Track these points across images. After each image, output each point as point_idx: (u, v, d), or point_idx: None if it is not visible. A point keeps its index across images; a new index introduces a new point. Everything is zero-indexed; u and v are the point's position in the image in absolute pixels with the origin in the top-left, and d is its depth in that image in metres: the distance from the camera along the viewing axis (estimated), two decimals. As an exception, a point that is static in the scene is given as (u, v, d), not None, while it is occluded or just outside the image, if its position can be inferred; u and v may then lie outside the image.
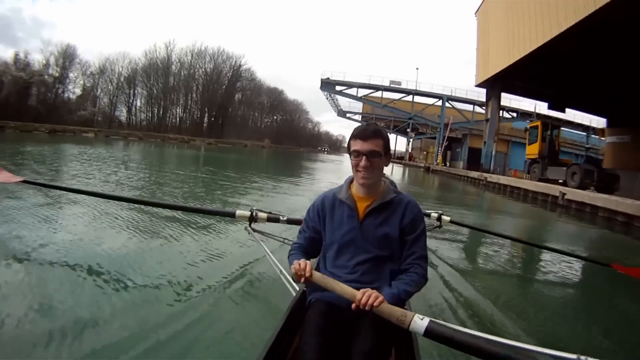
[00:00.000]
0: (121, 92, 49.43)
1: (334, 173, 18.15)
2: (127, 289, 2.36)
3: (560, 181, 14.11)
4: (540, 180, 15.28)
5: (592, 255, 5.05)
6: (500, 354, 0.95)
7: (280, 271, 1.86)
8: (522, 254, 4.93)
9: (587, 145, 35.33)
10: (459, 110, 40.48)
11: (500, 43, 17.46)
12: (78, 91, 45.11)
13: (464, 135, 37.38)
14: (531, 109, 32.92)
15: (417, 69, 58.13)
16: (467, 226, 4.15)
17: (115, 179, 7.46)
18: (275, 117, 74.79)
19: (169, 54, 53.88)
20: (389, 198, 1.37)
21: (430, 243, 4.27)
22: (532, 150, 17.23)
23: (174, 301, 2.25)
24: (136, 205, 4.53)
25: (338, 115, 53.29)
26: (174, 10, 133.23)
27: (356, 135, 1.34)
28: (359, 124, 1.44)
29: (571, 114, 29.14)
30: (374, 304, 1.08)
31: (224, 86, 59.60)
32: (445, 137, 37.60)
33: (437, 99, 40.26)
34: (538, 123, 17.60)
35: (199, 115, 57.87)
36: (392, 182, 1.49)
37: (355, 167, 1.34)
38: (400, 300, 1.23)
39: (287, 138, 71.80)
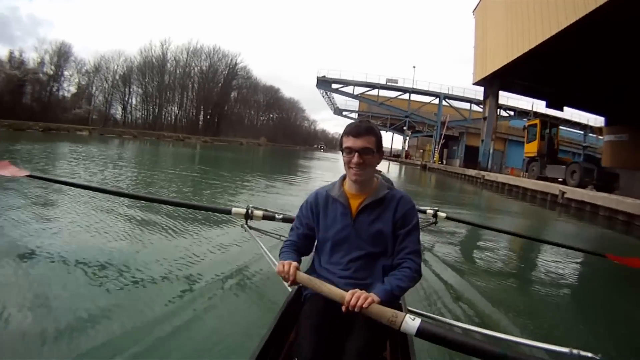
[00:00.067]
0: (116, 90, 48.84)
1: (330, 171, 17.85)
2: (123, 285, 2.37)
3: (559, 180, 14.06)
4: (538, 178, 15.29)
5: (587, 246, 5.12)
6: (494, 352, 0.96)
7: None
8: (518, 248, 5.02)
9: (584, 144, 35.39)
10: (456, 109, 40.55)
11: (498, 41, 17.33)
12: (73, 89, 44.53)
13: (460, 133, 37.46)
14: (528, 108, 32.98)
15: (414, 67, 58.65)
16: (463, 222, 4.20)
17: (100, 178, 7.25)
18: (271, 115, 74.52)
19: (164, 52, 53.37)
20: (382, 194, 1.37)
21: (426, 239, 4.28)
22: (531, 148, 17.18)
23: (171, 297, 2.26)
24: (132, 202, 4.58)
25: (334, 113, 52.94)
26: (170, 8, 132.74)
27: (348, 132, 1.33)
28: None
29: (568, 113, 29.12)
30: (363, 306, 1.07)
31: (220, 84, 59.09)
32: (442, 135, 37.59)
33: (434, 97, 40.24)
34: (537, 121, 17.61)
35: (194, 114, 57.39)
36: (388, 180, 1.46)
37: (347, 163, 1.34)
38: (393, 297, 1.22)
39: (283, 136, 71.56)
